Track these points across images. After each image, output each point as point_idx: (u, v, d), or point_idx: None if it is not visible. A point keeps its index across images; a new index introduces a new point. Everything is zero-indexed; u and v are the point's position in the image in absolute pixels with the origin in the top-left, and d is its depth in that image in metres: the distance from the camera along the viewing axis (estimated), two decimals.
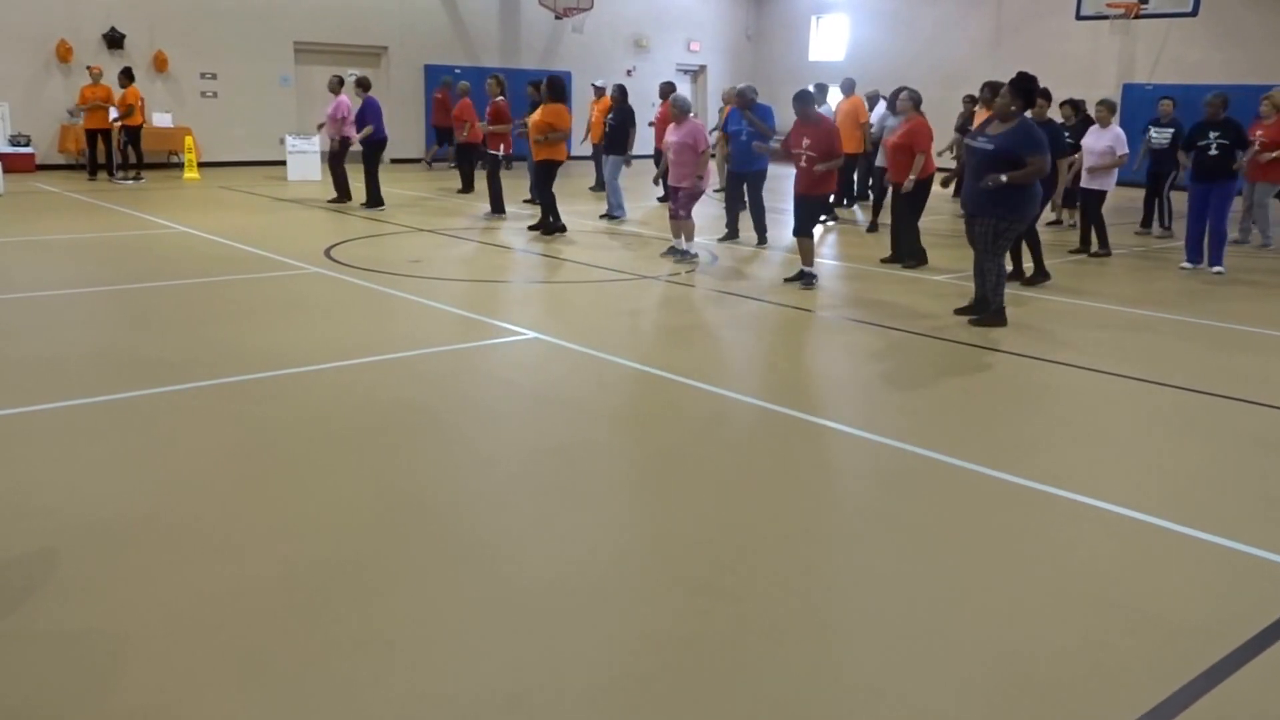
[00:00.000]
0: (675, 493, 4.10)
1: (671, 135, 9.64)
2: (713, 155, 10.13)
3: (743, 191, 11.13)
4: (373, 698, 2.59)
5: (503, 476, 4.20)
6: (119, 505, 3.76)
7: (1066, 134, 10.92)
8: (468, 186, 15.14)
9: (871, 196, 13.42)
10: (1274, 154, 10.51)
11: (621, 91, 13.11)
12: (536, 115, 11.13)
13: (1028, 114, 7.19)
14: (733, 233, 11.13)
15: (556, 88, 11.17)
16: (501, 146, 12.49)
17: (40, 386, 5.17)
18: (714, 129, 14.40)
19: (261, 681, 2.66)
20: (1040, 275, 8.89)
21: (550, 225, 11.21)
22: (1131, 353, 6.57)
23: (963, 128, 13.16)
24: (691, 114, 9.90)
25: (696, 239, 9.94)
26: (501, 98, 12.46)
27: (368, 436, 4.59)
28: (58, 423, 4.67)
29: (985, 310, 7.35)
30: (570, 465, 4.35)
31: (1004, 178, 6.81)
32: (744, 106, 10.62)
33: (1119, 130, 10.73)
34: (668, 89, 14.12)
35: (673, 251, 9.83)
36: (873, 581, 3.35)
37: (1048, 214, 12.81)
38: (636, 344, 6.52)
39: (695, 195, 9.64)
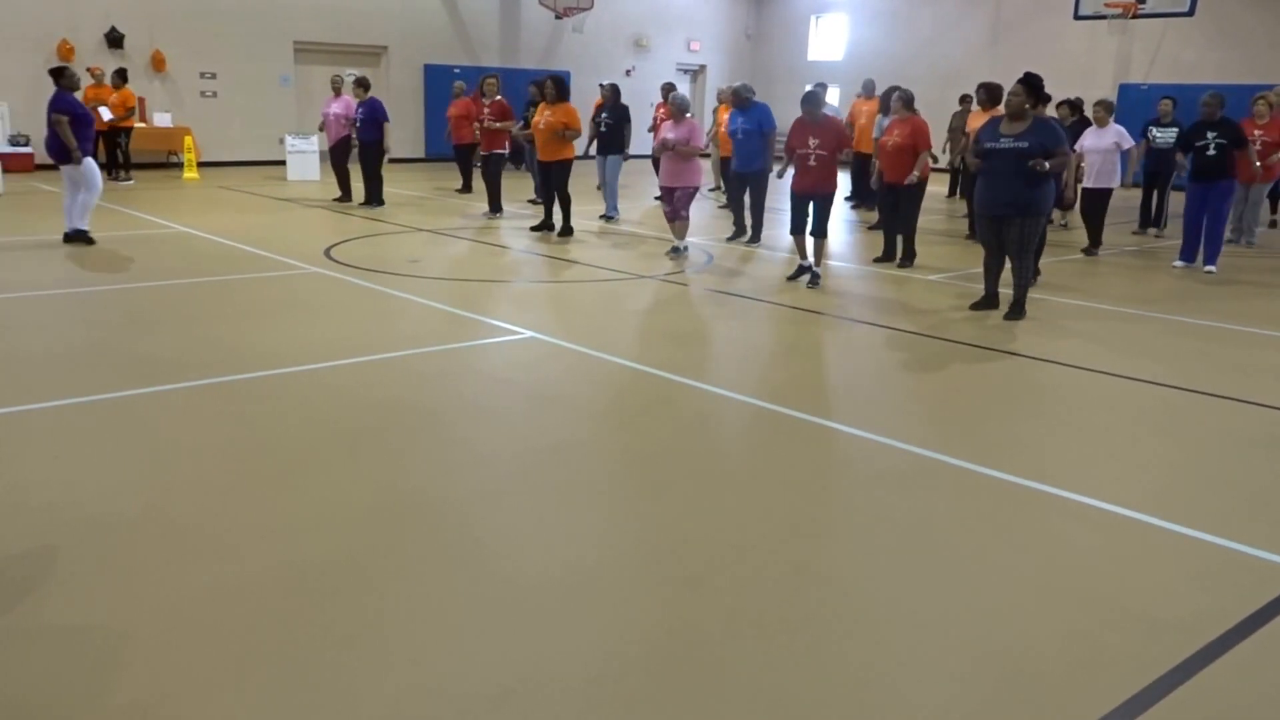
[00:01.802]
0: (670, 490, 4.15)
1: (669, 134, 9.64)
2: (706, 155, 10.12)
3: (744, 192, 11.06)
4: (369, 692, 2.65)
5: (499, 474, 4.25)
6: (118, 502, 3.81)
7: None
8: (467, 186, 15.17)
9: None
10: (1277, 156, 10.57)
11: (615, 90, 12.94)
12: (548, 115, 10.79)
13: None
14: (740, 231, 11.10)
15: (564, 87, 10.97)
16: (507, 145, 12.45)
17: (40, 385, 5.23)
18: (709, 129, 14.43)
19: (259, 676, 2.71)
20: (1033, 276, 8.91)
21: (565, 226, 11.05)
22: (1123, 351, 6.62)
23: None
24: (689, 114, 9.94)
25: (694, 238, 9.98)
26: (500, 96, 12.43)
27: (366, 435, 4.64)
28: (57, 421, 4.72)
29: (995, 305, 7.66)
30: (566, 463, 4.40)
31: (1047, 164, 6.96)
32: (739, 106, 10.60)
33: (1119, 127, 10.80)
34: (669, 89, 14.13)
35: (675, 251, 9.85)
36: (863, 578, 3.40)
37: (1057, 217, 12.85)
38: (633, 343, 6.57)
39: (693, 194, 9.69)
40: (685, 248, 9.88)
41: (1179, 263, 10.08)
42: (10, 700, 2.56)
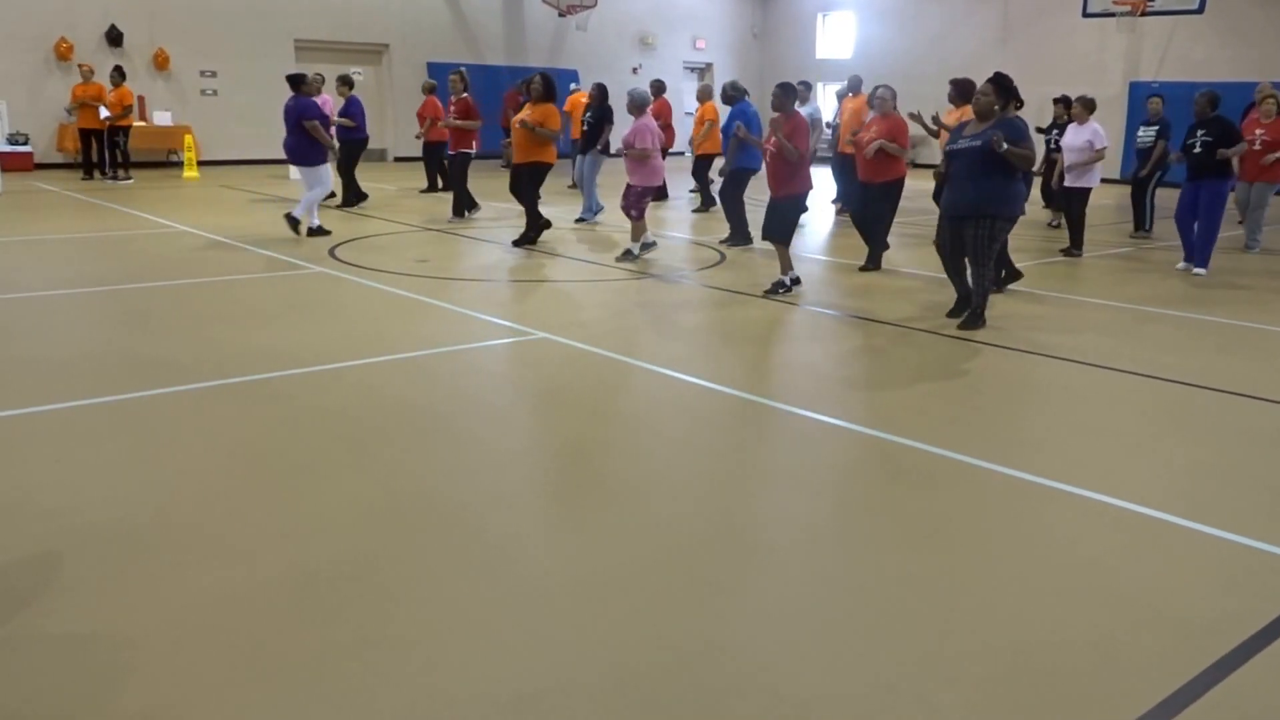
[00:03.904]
0: (686, 492, 4.08)
1: (626, 131, 9.54)
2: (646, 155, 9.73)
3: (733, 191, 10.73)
4: (383, 698, 2.58)
5: (512, 476, 4.19)
6: (124, 507, 3.75)
7: (1056, 131, 11.12)
8: (432, 186, 15.01)
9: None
10: (1276, 155, 10.45)
11: (601, 90, 12.65)
12: (528, 113, 10.12)
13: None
14: (737, 236, 10.80)
15: (551, 85, 10.33)
16: (474, 144, 12.09)
17: (43, 387, 5.16)
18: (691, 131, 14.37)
19: (270, 683, 2.65)
20: (1012, 275, 8.58)
21: (533, 234, 10.38)
22: (1125, 348, 6.53)
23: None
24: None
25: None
26: (467, 94, 12.02)
27: (376, 436, 4.58)
28: (61, 424, 4.66)
29: (968, 311, 7.14)
30: (580, 465, 4.34)
31: (1005, 144, 6.46)
32: (726, 102, 10.60)
33: (1096, 125, 10.54)
34: (659, 87, 14.04)
35: (627, 255, 9.48)
36: (882, 578, 3.33)
37: (1048, 216, 12.77)
38: (642, 342, 6.51)
39: (645, 193, 9.44)
40: (638, 252, 9.47)
41: (1182, 265, 9.83)
42: (14, 709, 2.50)
